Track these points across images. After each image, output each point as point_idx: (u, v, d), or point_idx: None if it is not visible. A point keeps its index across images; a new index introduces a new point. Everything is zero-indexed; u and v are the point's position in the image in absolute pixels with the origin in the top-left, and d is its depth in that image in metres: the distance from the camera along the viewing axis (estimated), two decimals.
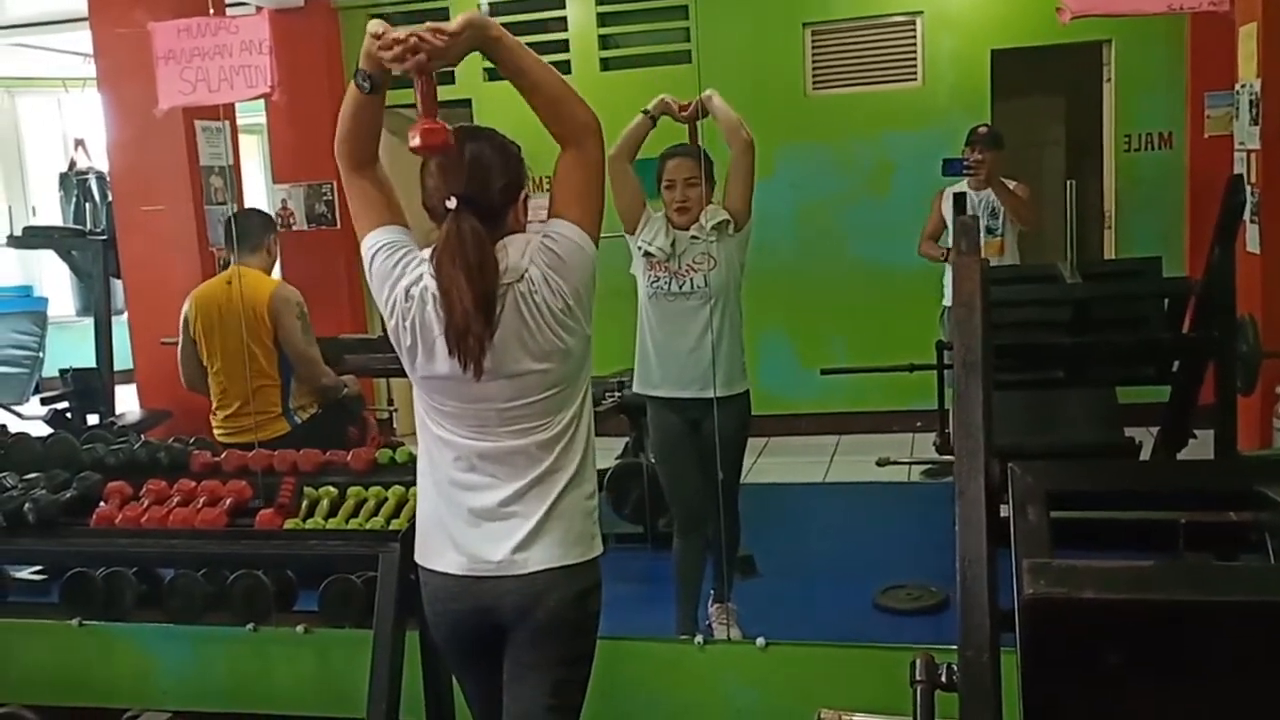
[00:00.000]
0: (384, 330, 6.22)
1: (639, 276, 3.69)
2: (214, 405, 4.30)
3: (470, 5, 7.07)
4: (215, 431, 4.27)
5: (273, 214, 5.97)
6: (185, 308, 4.29)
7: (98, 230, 6.52)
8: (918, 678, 1.44)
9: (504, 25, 2.20)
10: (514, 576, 2.08)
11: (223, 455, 3.24)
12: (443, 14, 7.32)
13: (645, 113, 3.62)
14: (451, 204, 2.00)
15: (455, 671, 2.36)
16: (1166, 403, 4.03)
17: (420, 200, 2.11)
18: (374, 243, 2.11)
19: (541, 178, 2.17)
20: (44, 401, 5.88)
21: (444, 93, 7.21)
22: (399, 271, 2.07)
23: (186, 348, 4.30)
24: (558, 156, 2.09)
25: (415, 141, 1.94)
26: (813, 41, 6.87)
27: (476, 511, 2.11)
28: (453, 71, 7.04)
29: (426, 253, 2.07)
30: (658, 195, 3.71)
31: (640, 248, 3.63)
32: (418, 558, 2.21)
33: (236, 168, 6.11)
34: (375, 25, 1.94)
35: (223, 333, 4.18)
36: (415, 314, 2.04)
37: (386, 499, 2.95)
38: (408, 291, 2.05)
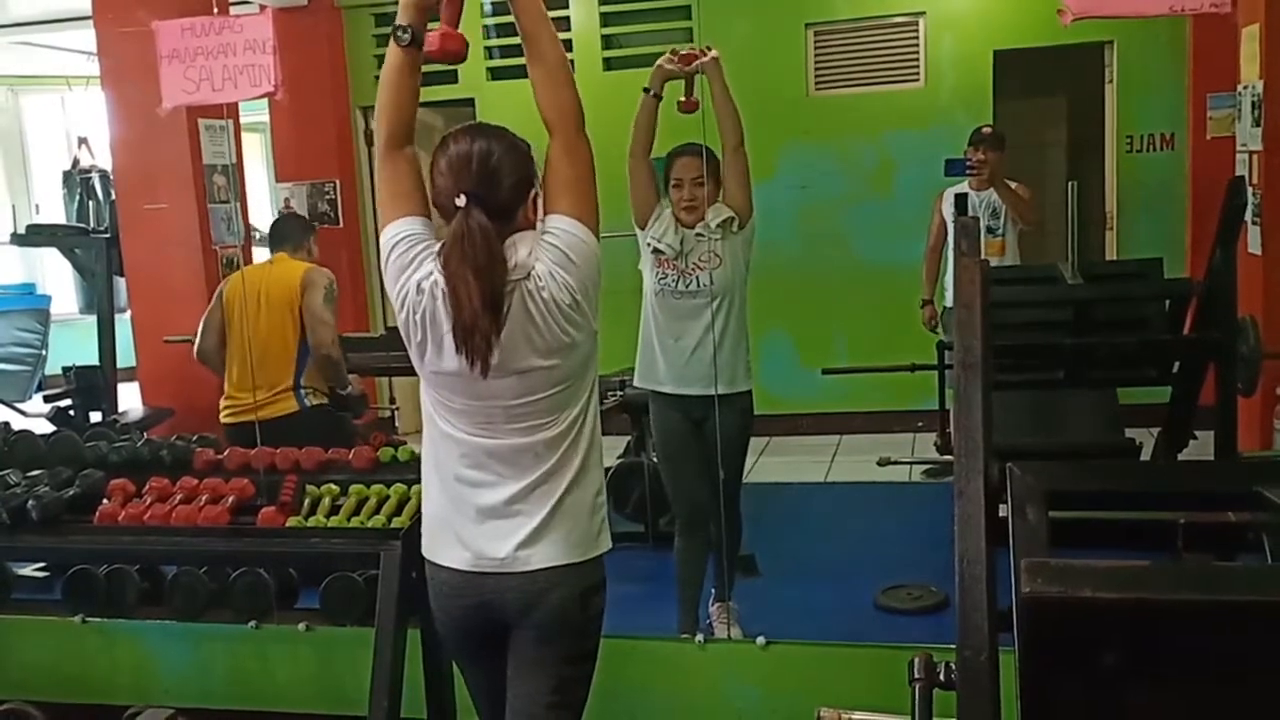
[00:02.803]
0: (386, 328, 6.31)
1: (646, 273, 3.70)
2: (228, 381, 4.43)
3: (473, 4, 7.09)
4: (223, 410, 4.40)
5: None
6: (224, 284, 4.55)
7: (101, 228, 6.53)
8: (916, 676, 1.44)
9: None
10: (517, 573, 2.09)
11: (225, 453, 3.24)
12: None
13: (646, 91, 3.57)
14: (461, 202, 2.00)
15: (460, 666, 2.36)
16: (1167, 404, 4.03)
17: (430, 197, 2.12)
18: (396, 233, 2.09)
19: None
20: (47, 399, 5.90)
21: (447, 92, 7.14)
22: (414, 265, 2.06)
23: (213, 317, 4.46)
24: (546, 148, 2.10)
25: (433, 46, 1.95)
26: (815, 42, 6.87)
27: (482, 509, 2.11)
28: (456, 71, 7.08)
29: (439, 247, 2.06)
30: (666, 194, 3.72)
31: (649, 244, 3.64)
32: (425, 551, 2.21)
33: (239, 166, 6.11)
34: None
35: (257, 308, 4.36)
36: (426, 308, 2.04)
37: (388, 497, 2.96)
38: (419, 285, 2.04)
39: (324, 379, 4.44)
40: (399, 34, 2.04)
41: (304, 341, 4.37)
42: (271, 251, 4.67)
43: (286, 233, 4.66)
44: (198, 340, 4.48)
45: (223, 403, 4.42)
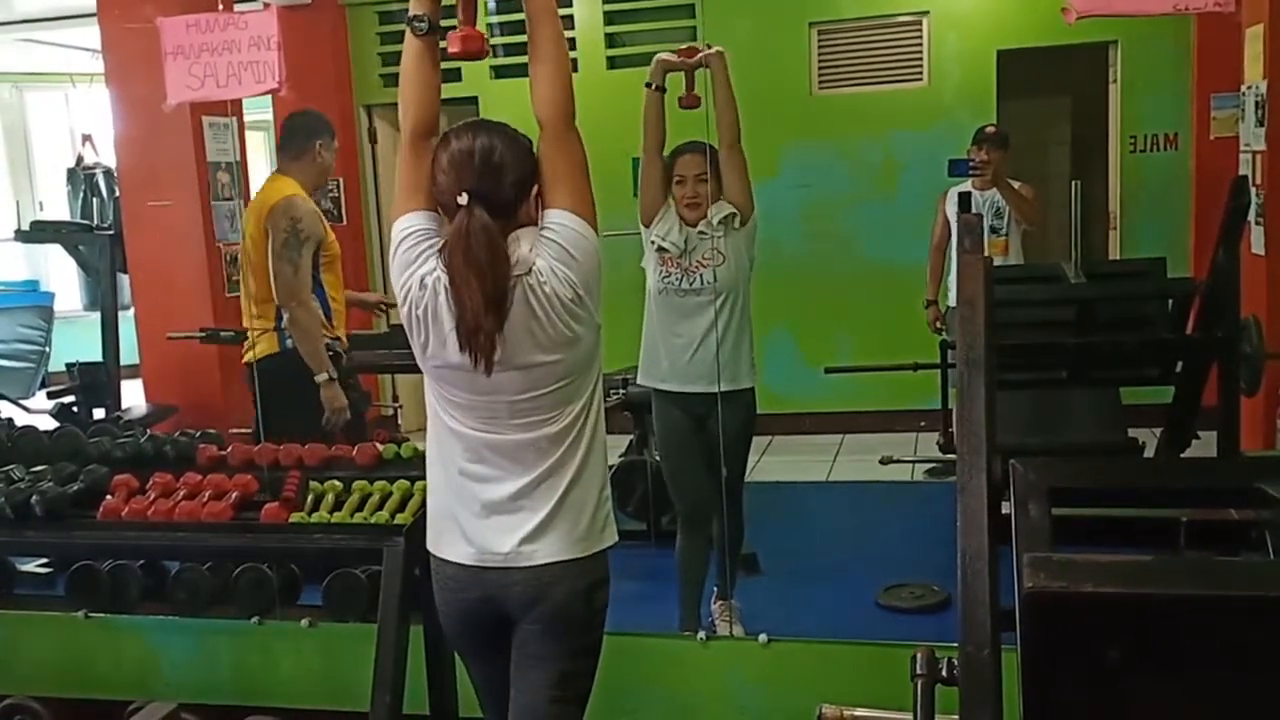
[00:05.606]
0: (390, 326, 6.21)
1: (649, 271, 3.70)
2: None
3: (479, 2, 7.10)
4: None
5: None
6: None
7: (105, 225, 6.55)
8: (919, 672, 1.45)
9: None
10: (521, 568, 2.10)
11: (228, 449, 3.25)
12: (450, 10, 7.34)
13: (648, 86, 3.58)
14: (463, 200, 2.00)
15: (464, 660, 2.37)
16: (1170, 404, 4.03)
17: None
18: (407, 225, 2.09)
19: None
20: (50, 396, 5.89)
21: (450, 90, 7.17)
22: (419, 260, 2.07)
23: (241, 258, 4.28)
24: (538, 145, 2.11)
25: (455, 47, 1.96)
26: (819, 41, 6.88)
27: (487, 504, 2.12)
28: (459, 69, 7.08)
29: (440, 245, 2.07)
30: (669, 191, 3.71)
31: (654, 242, 3.64)
32: (430, 546, 2.22)
33: (243, 164, 6.13)
34: None
35: (244, 238, 4.13)
36: (428, 303, 2.05)
37: (391, 493, 2.96)
38: (422, 281, 2.05)
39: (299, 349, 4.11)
40: (416, 24, 2.04)
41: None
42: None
43: (288, 139, 4.09)
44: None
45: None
